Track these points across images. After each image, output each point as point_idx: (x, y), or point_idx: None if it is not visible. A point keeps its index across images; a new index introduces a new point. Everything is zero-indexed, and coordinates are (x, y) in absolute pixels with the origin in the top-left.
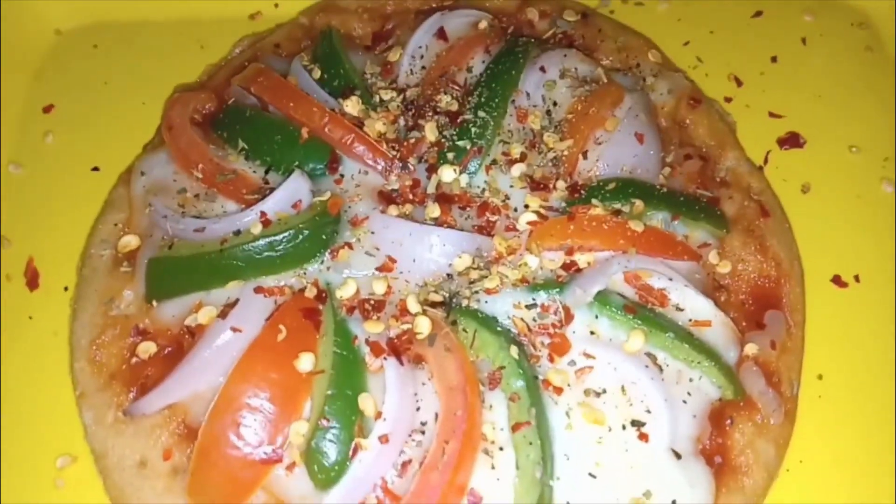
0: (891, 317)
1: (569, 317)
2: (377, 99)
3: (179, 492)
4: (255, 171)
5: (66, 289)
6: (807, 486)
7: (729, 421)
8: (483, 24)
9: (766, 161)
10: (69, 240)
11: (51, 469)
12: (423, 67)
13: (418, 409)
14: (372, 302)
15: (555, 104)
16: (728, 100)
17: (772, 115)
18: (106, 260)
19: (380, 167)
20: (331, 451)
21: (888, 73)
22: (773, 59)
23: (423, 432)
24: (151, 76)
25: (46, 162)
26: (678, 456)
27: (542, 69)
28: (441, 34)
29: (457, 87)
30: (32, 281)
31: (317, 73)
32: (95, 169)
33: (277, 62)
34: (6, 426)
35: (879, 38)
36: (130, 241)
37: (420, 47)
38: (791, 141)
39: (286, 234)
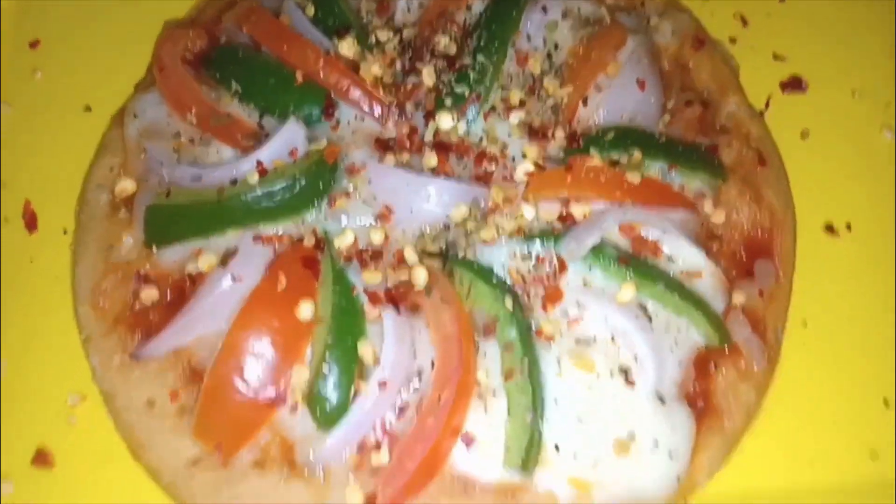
0: (878, 266)
1: (563, 267)
2: (373, 39)
3: (187, 430)
4: (249, 116)
5: (64, 231)
6: (784, 428)
7: (713, 366)
8: None
9: (767, 105)
10: (65, 181)
11: (63, 407)
12: (421, 5)
13: (415, 356)
14: (370, 252)
15: (556, 47)
16: (733, 40)
17: (776, 57)
18: (103, 205)
19: (376, 114)
20: (332, 396)
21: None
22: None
23: (419, 378)
24: (139, 10)
25: (37, 101)
26: (662, 400)
27: (544, 9)
28: None
29: (456, 27)
30: (31, 223)
31: (311, 11)
32: (87, 109)
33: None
34: (13, 367)
35: None
36: (127, 185)
37: None
38: (793, 85)
39: (283, 183)
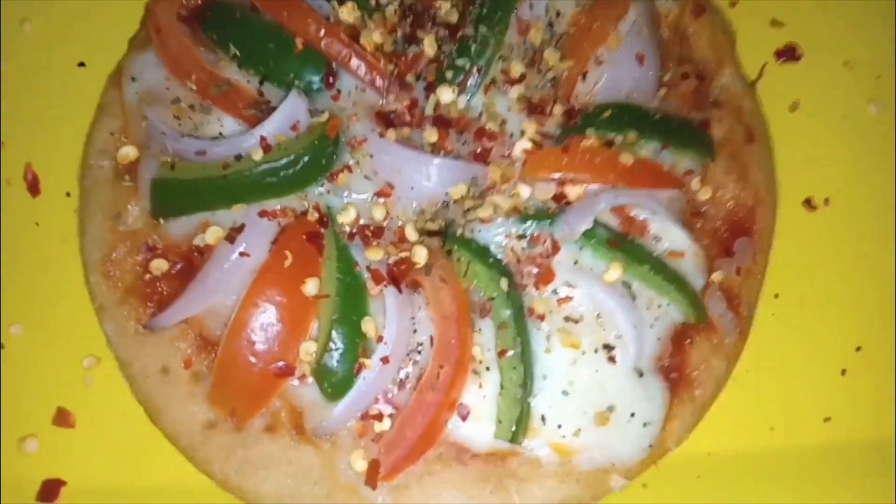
0: (851, 241)
1: (556, 248)
2: (373, 2)
3: (201, 396)
4: (249, 82)
5: (67, 194)
6: (749, 396)
7: (689, 341)
8: None
9: (760, 75)
10: (64, 142)
11: (78, 369)
12: None
13: (415, 331)
14: (371, 228)
15: (558, 14)
16: (733, 4)
17: (774, 22)
18: (106, 171)
19: (378, 85)
20: (338, 370)
21: None
22: None
23: (419, 352)
24: None
25: (29, 55)
26: (640, 374)
27: None
28: None
29: None
30: (33, 186)
31: None
32: (81, 64)
33: None
34: (27, 330)
35: None
36: (129, 152)
37: None
38: (788, 53)
39: (287, 159)
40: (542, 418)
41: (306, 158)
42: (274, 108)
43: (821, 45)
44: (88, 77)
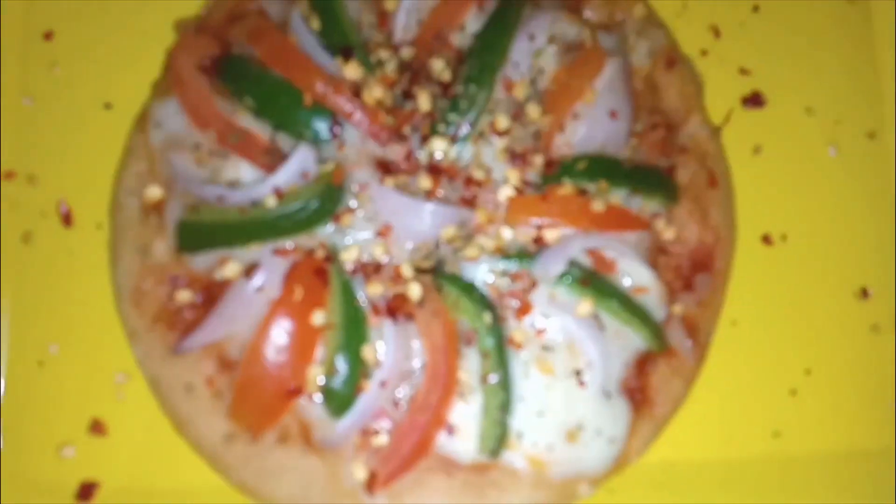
0: (805, 272)
1: (534, 284)
2: (374, 59)
3: (222, 411)
4: (262, 131)
5: (98, 227)
6: (705, 412)
7: (651, 366)
8: None
9: (727, 120)
10: (94, 178)
11: (111, 384)
12: (419, 23)
13: (409, 357)
14: (372, 265)
15: (541, 71)
16: (704, 53)
17: (742, 71)
18: (135, 209)
19: (378, 137)
20: (341, 391)
21: (862, 27)
22: (755, 9)
23: (412, 376)
24: (149, 6)
25: (58, 95)
26: (607, 396)
27: (531, 37)
28: None
29: (450, 51)
30: (66, 218)
31: (316, 24)
32: (108, 106)
33: (275, 4)
34: (63, 349)
35: None
36: (155, 192)
37: (415, 1)
38: (753, 100)
39: (298, 205)
40: (520, 435)
41: (315, 204)
42: (285, 155)
43: (784, 91)
44: (115, 117)
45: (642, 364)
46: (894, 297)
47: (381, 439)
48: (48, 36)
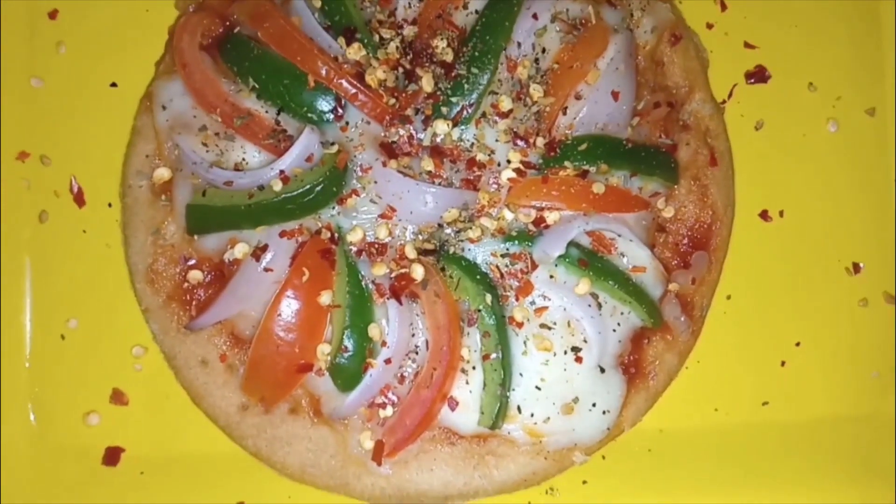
0: (801, 248)
1: (534, 265)
2: (377, 38)
3: (235, 384)
4: (267, 112)
5: (109, 205)
6: (697, 382)
7: (646, 341)
8: None
9: (730, 95)
10: (103, 156)
11: (129, 357)
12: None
13: (413, 335)
14: (376, 246)
15: (543, 51)
16: (710, 26)
17: (747, 45)
18: (144, 190)
19: (381, 119)
20: (348, 368)
21: (868, 2)
22: None
23: (416, 353)
24: None
25: (65, 76)
26: (602, 370)
27: (535, 16)
28: None
29: (453, 29)
30: (79, 198)
31: (317, 2)
32: (113, 85)
33: None
34: (82, 324)
35: None
36: (163, 173)
37: None
38: (757, 75)
39: (303, 188)
40: (518, 408)
41: (320, 187)
42: (290, 137)
43: (789, 66)
44: (120, 96)
45: (638, 339)
46: (894, 270)
47: (387, 412)
48: (53, 15)
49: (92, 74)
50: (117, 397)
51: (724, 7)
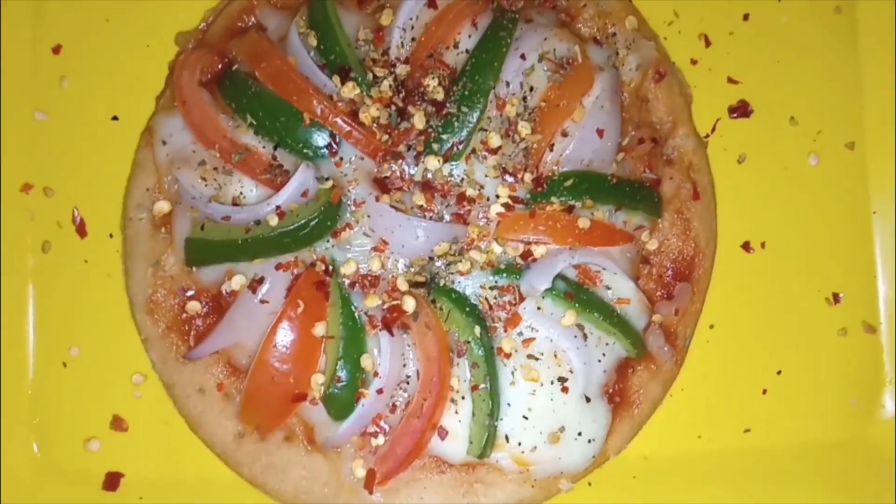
0: (782, 279)
1: (522, 297)
2: (371, 77)
3: (232, 412)
4: (264, 147)
5: (110, 236)
6: (680, 410)
7: (631, 370)
8: None
9: (713, 130)
10: (105, 189)
11: (128, 384)
12: (413, 39)
13: (404, 365)
14: (369, 278)
15: (531, 89)
16: (694, 62)
17: (730, 80)
18: (145, 223)
19: (374, 155)
20: (341, 398)
21: (848, 39)
22: (745, 17)
23: (407, 382)
24: (151, 19)
25: (68, 109)
26: (588, 399)
27: (523, 56)
28: (431, 2)
29: (444, 69)
30: (81, 229)
31: (313, 41)
32: (115, 118)
33: (273, 17)
34: (84, 352)
35: None
36: (163, 206)
37: (410, 19)
38: (740, 110)
39: (298, 223)
40: (506, 437)
41: (315, 221)
42: (286, 171)
43: (771, 101)
44: (122, 129)
45: (623, 369)
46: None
47: (379, 440)
48: (56, 50)
49: (94, 108)
50: (117, 424)
51: (708, 43)
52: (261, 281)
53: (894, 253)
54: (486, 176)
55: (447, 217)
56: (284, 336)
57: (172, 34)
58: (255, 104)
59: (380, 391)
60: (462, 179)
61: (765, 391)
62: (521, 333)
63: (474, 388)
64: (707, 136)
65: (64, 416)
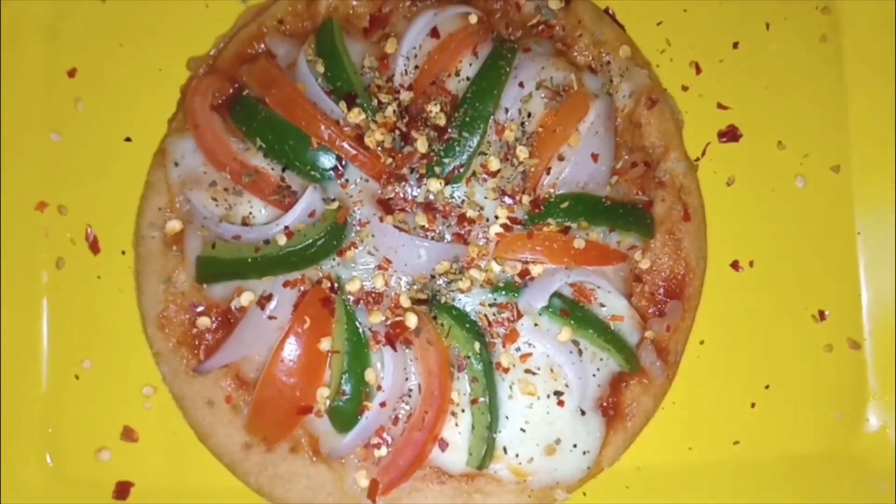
0: (770, 297)
1: (519, 314)
2: (376, 103)
3: (240, 424)
4: (273, 169)
5: (123, 252)
6: (672, 422)
7: (624, 384)
8: (473, 19)
9: (703, 153)
10: (117, 207)
11: (139, 396)
12: (417, 67)
13: (407, 379)
14: (373, 295)
15: (529, 116)
16: (685, 89)
17: (720, 106)
18: (157, 241)
19: (378, 177)
20: (346, 410)
21: (833, 66)
22: (735, 45)
23: (409, 395)
24: (162, 35)
25: (82, 130)
26: (583, 413)
27: (521, 84)
28: (434, 32)
29: (446, 95)
30: (94, 246)
31: (321, 68)
32: (128, 140)
33: (282, 45)
34: (95, 365)
35: (838, 27)
36: (175, 225)
37: (413, 48)
38: (729, 135)
39: (305, 243)
40: (504, 449)
41: (321, 241)
42: (294, 193)
43: (759, 126)
44: (135, 150)
45: (616, 383)
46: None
47: (382, 452)
48: (72, 73)
49: (108, 129)
50: (128, 434)
51: (699, 70)
52: (269, 297)
53: (878, 272)
54: (485, 198)
55: (448, 237)
56: (291, 351)
57: (184, 59)
58: (264, 128)
59: (383, 404)
60: (463, 201)
61: (753, 405)
62: (518, 349)
63: (474, 401)
64: (697, 159)
65: (76, 426)
